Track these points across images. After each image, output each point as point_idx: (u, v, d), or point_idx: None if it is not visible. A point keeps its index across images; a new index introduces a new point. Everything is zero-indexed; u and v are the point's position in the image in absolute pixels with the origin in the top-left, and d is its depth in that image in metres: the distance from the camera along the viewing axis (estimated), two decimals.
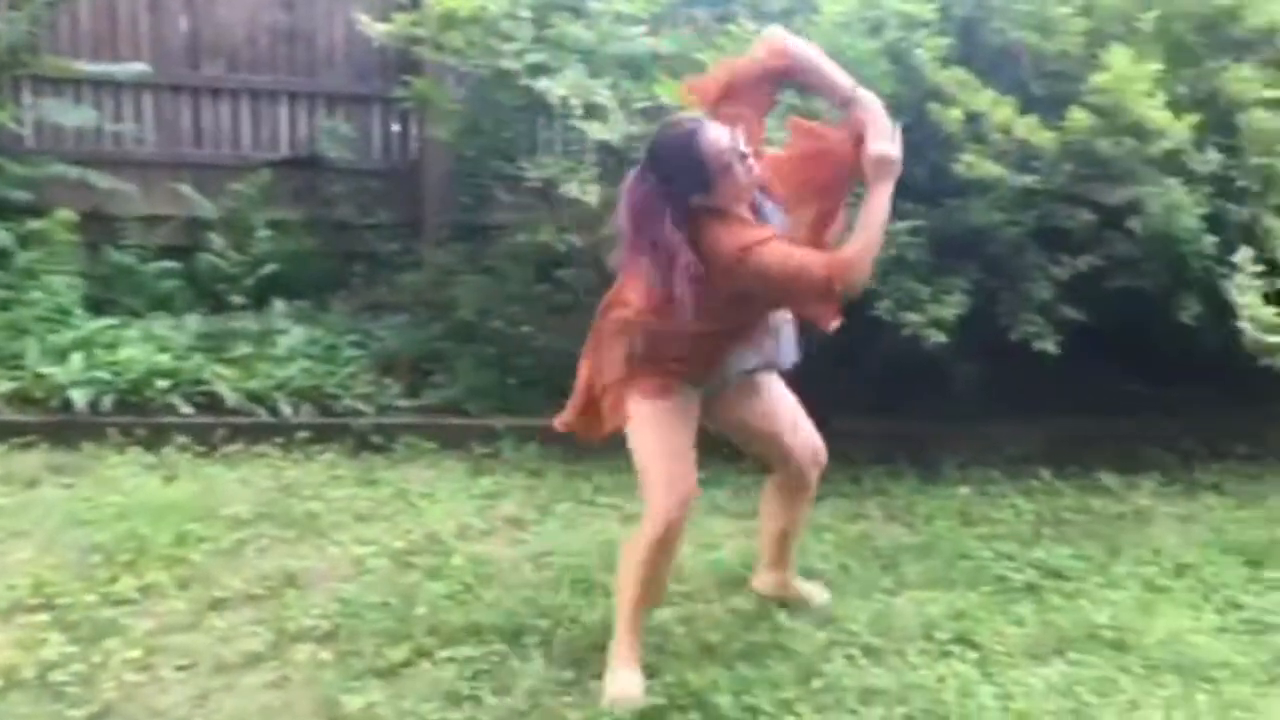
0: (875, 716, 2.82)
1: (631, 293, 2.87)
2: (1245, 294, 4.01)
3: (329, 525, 3.84)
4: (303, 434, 4.54)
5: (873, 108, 2.75)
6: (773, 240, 2.70)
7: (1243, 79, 4.25)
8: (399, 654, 2.98)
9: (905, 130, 2.80)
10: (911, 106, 4.03)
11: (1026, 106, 4.15)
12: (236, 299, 5.52)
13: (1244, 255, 4.08)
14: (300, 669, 2.93)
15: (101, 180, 5.64)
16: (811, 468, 3.19)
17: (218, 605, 3.25)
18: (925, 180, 4.07)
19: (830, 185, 2.84)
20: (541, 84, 4.23)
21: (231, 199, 5.89)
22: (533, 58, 4.41)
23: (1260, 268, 4.07)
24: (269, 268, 5.66)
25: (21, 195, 5.49)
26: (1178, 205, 4.10)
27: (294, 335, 5.13)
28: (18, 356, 4.71)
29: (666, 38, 4.40)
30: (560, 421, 3.19)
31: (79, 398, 4.50)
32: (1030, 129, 4.04)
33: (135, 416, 4.50)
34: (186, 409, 4.57)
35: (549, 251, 4.84)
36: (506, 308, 5.30)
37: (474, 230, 6.02)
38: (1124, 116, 4.10)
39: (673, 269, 2.67)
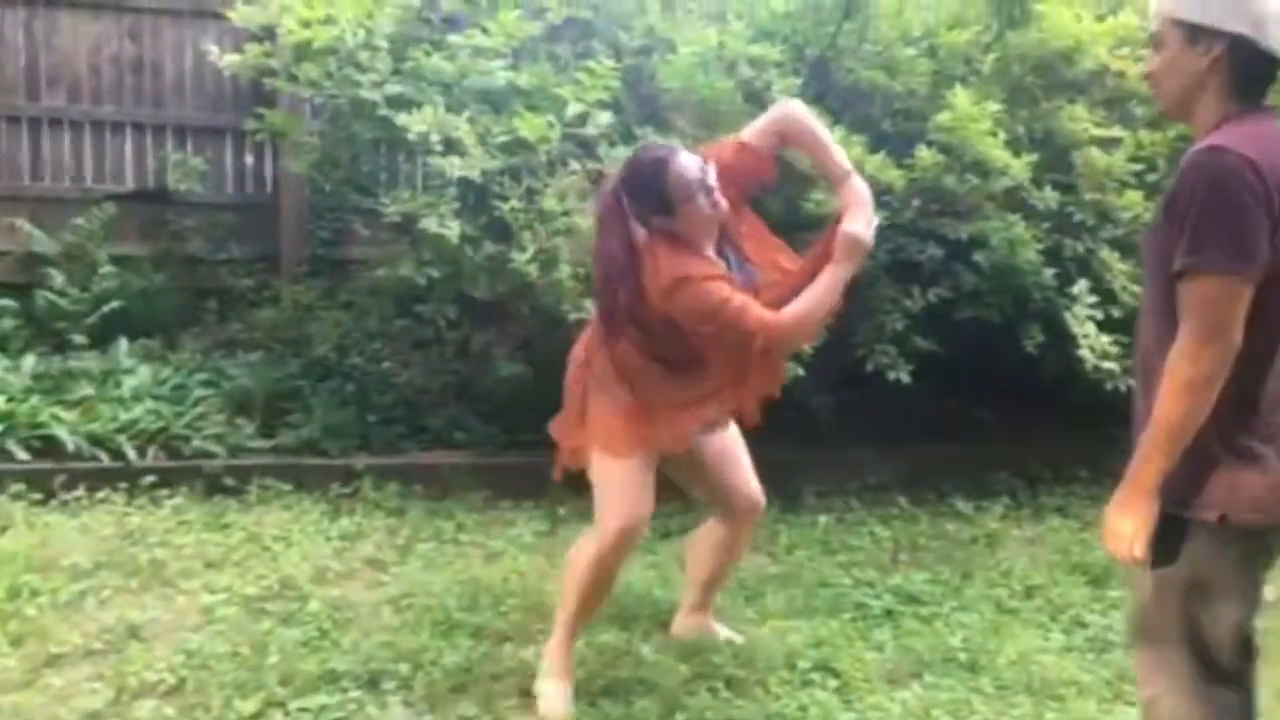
0: None
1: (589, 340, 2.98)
2: (1083, 323, 4.22)
3: (176, 573, 3.68)
4: (148, 478, 4.34)
5: (860, 193, 2.82)
6: (718, 281, 2.74)
7: (1076, 118, 4.49)
8: (249, 706, 2.87)
9: None
10: None
11: (876, 144, 4.29)
12: (78, 338, 5.25)
13: (1081, 286, 4.31)
14: None
15: None
16: (750, 514, 3.23)
17: (54, 662, 3.08)
18: (780, 216, 4.16)
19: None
20: (401, 119, 4.18)
21: (73, 233, 5.63)
22: (391, 89, 4.36)
23: (1096, 298, 4.30)
24: (113, 305, 5.42)
25: None
26: (1019, 240, 4.30)
27: (140, 375, 4.91)
28: None
29: (526, 71, 4.41)
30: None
31: None
32: (880, 166, 4.17)
33: None
34: (22, 455, 4.33)
35: (409, 286, 4.77)
36: (366, 344, 5.21)
37: (332, 265, 5.91)
38: (967, 154, 4.28)
39: (618, 279, 2.76)
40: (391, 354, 5.21)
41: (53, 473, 4.28)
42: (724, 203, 2.78)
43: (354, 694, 2.96)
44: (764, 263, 2.97)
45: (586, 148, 4.37)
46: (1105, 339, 4.19)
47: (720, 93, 4.27)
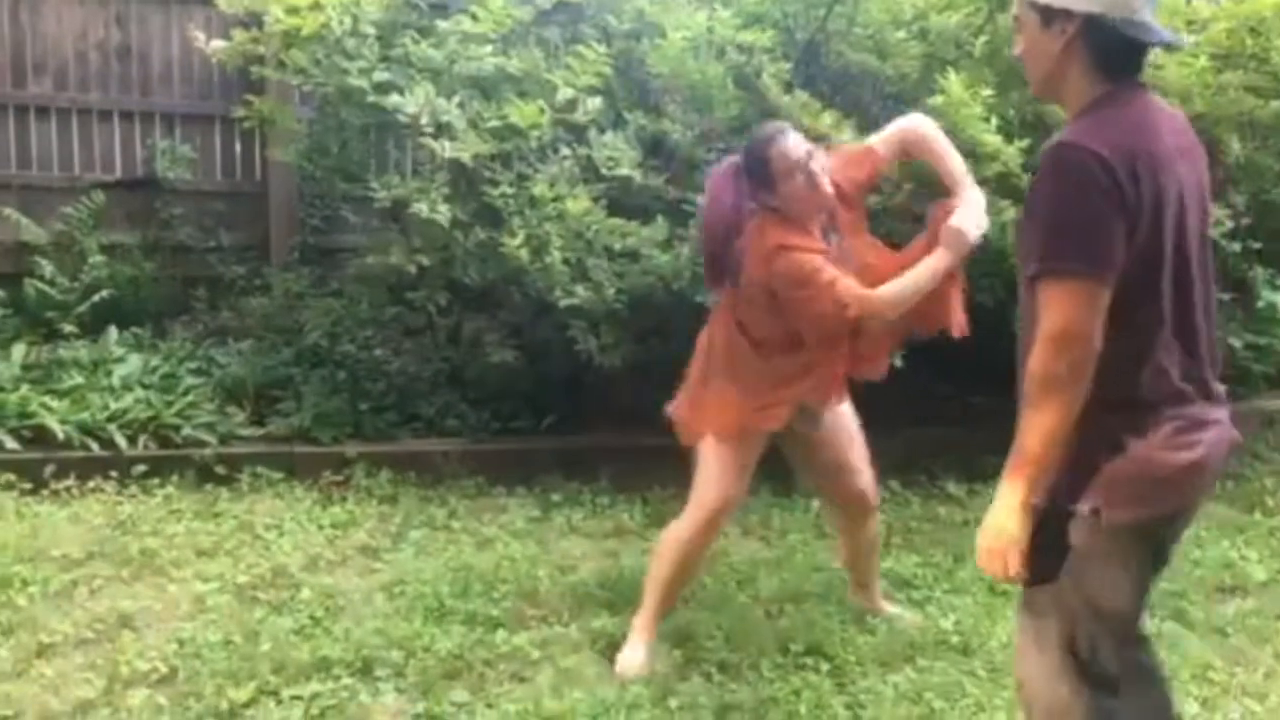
0: None
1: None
2: None
3: (167, 562, 3.67)
4: (139, 467, 4.33)
5: (975, 198, 3.02)
6: (814, 253, 2.92)
7: None
8: (242, 694, 2.87)
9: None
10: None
11: (868, 128, 4.26)
12: (68, 327, 5.22)
13: None
14: (135, 715, 2.79)
15: None
16: (861, 514, 3.36)
17: (45, 651, 3.08)
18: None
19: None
20: (393, 100, 4.16)
21: (62, 222, 5.60)
22: (380, 76, 4.34)
23: None
24: (102, 293, 5.39)
25: None
26: (1010, 224, 4.27)
27: (130, 364, 4.89)
28: None
29: (516, 57, 4.39)
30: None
31: None
32: None
33: None
34: (12, 444, 4.32)
35: (400, 273, 4.75)
36: (357, 331, 5.20)
37: (322, 252, 5.89)
38: (959, 139, 4.25)
39: (721, 244, 3.02)
40: (383, 341, 5.20)
41: (43, 462, 4.27)
42: (828, 189, 2.96)
43: (346, 681, 2.96)
44: (862, 248, 3.14)
45: (577, 133, 4.36)
46: None
47: (710, 77, 4.26)
